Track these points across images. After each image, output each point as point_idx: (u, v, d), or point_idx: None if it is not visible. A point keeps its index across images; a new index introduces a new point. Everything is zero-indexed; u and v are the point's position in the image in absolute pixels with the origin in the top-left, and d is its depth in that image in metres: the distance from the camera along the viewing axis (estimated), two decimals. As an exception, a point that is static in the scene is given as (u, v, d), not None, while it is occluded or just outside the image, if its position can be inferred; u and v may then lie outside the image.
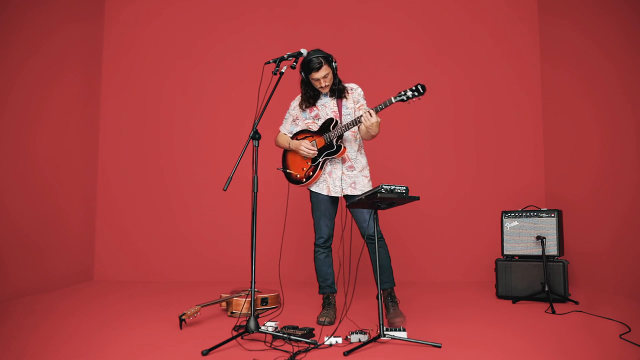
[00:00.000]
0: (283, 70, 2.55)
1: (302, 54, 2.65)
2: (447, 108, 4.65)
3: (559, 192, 4.31)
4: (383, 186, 2.28)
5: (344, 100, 2.92)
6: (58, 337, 2.50)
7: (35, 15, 3.79)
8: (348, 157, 2.93)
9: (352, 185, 2.91)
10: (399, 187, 2.30)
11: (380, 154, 4.57)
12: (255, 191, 2.42)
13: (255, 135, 2.45)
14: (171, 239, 4.62)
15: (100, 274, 4.56)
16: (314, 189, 2.96)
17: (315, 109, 2.95)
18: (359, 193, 2.85)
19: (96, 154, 4.66)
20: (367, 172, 2.97)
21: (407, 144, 4.64)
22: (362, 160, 2.97)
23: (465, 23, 4.68)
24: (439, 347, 2.28)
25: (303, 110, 2.99)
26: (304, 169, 2.93)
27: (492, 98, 4.63)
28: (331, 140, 2.86)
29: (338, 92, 2.91)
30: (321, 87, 2.86)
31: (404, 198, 2.32)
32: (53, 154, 4.01)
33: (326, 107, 2.93)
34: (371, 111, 2.64)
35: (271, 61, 2.61)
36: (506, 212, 3.69)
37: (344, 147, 2.87)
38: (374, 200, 2.35)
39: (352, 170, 2.93)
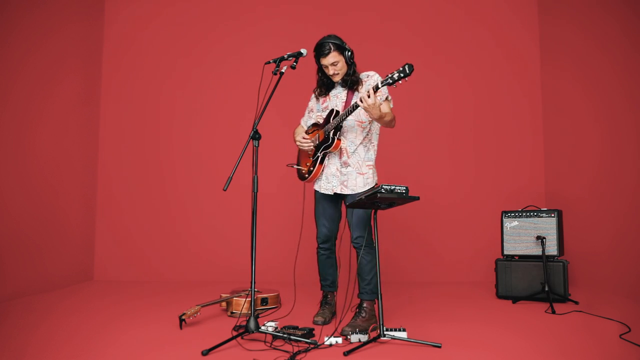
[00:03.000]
0: (283, 70, 2.54)
1: (302, 54, 2.64)
2: (447, 108, 4.65)
3: (559, 192, 4.31)
4: (383, 186, 2.27)
5: (355, 92, 2.75)
6: (58, 337, 2.50)
7: (35, 15, 3.79)
8: (346, 152, 2.74)
9: (344, 183, 2.74)
10: (398, 187, 2.30)
11: (379, 153, 4.57)
12: (255, 191, 2.42)
13: (256, 136, 2.45)
14: (171, 239, 4.62)
15: (100, 274, 4.56)
16: (315, 186, 2.87)
17: (327, 99, 2.85)
18: (350, 192, 2.72)
19: (96, 154, 4.66)
20: (365, 169, 2.74)
21: (407, 144, 4.64)
22: (362, 155, 2.75)
23: (465, 23, 4.69)
24: (439, 347, 2.28)
25: (317, 100, 2.92)
26: (307, 164, 2.85)
27: (492, 98, 4.64)
28: (328, 133, 2.73)
29: (351, 83, 2.74)
30: (332, 75, 2.73)
31: (404, 198, 2.32)
32: (53, 154, 4.01)
33: (337, 97, 2.81)
34: (370, 91, 2.44)
35: (271, 61, 2.60)
36: (506, 212, 3.69)
37: (338, 140, 2.70)
38: (374, 200, 2.35)
39: (346, 167, 2.75)
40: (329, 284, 2.97)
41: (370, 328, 2.54)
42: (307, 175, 2.84)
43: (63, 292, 3.80)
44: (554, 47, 4.40)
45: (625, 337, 2.41)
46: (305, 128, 2.98)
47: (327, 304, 2.93)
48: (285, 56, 2.60)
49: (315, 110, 2.94)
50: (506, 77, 4.63)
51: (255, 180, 2.42)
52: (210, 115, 4.72)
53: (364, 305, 2.72)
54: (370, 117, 2.60)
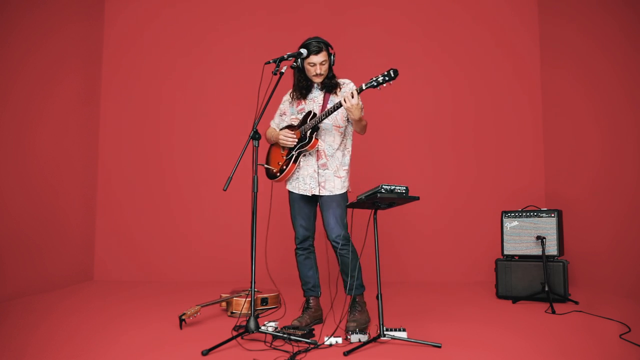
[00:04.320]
0: (283, 71, 2.54)
1: (302, 54, 2.64)
2: (447, 108, 4.65)
3: (559, 192, 4.31)
4: (383, 186, 2.28)
5: (332, 96, 2.78)
6: (58, 337, 2.50)
7: (35, 15, 3.79)
8: (324, 154, 2.77)
9: (321, 184, 2.76)
10: (398, 187, 2.30)
11: (380, 153, 4.58)
12: (255, 191, 2.42)
13: (255, 135, 2.46)
14: (171, 238, 4.62)
15: (100, 274, 4.56)
16: (288, 186, 2.87)
17: (303, 102, 2.84)
18: (328, 194, 2.74)
19: (96, 154, 4.66)
20: (342, 173, 2.78)
21: (407, 143, 4.64)
22: (339, 159, 2.79)
23: (465, 23, 4.68)
24: (439, 347, 2.28)
25: (291, 103, 2.90)
26: (279, 162, 2.83)
27: (492, 98, 4.63)
28: (305, 133, 2.73)
29: (329, 86, 2.77)
30: (315, 75, 2.72)
31: (404, 198, 2.32)
32: (53, 154, 4.01)
33: (314, 101, 2.81)
34: (354, 92, 2.49)
35: (271, 61, 2.60)
36: (506, 212, 3.69)
37: (316, 139, 2.72)
38: (374, 200, 2.35)
39: (325, 169, 2.76)
40: (310, 288, 2.91)
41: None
42: (278, 174, 2.82)
43: (63, 292, 3.80)
44: (554, 47, 4.40)
45: (625, 337, 2.41)
46: (278, 130, 2.93)
47: (308, 308, 2.86)
48: (285, 56, 2.60)
49: (289, 114, 2.92)
50: (506, 77, 4.63)
51: (255, 180, 2.42)
52: (210, 115, 4.72)
53: (356, 299, 2.77)
54: (351, 118, 2.60)
